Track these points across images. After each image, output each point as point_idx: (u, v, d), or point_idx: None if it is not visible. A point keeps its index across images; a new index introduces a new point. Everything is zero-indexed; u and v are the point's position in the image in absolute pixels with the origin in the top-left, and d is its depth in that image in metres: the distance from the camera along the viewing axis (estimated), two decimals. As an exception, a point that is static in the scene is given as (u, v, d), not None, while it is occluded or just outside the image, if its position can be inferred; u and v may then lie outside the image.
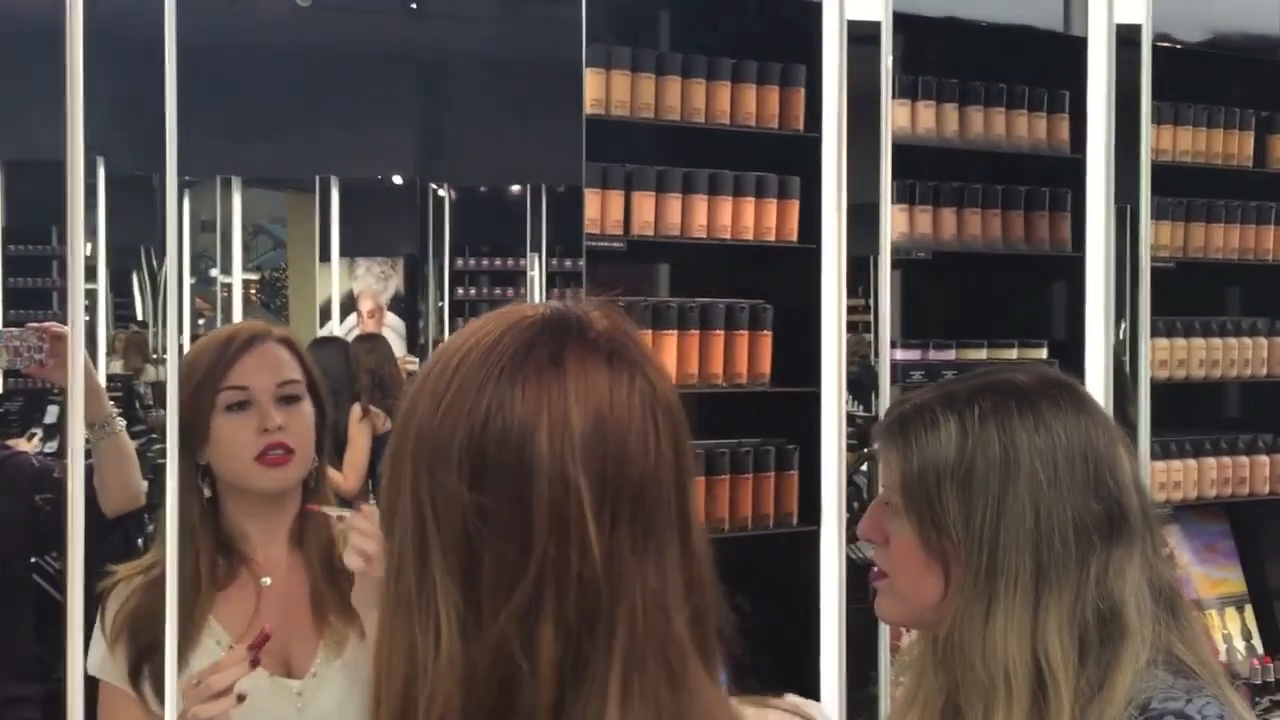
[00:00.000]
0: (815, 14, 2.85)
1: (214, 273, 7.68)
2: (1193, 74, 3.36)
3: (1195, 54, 3.50)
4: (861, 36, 2.81)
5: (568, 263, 7.85)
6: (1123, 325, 3.18)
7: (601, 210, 2.71)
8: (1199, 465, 3.27)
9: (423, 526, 0.85)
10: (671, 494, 0.86)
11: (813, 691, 2.80)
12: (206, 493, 1.77)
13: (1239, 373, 3.33)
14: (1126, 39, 3.05)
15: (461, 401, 0.85)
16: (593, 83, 2.69)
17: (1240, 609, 3.37)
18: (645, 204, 2.74)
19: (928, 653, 1.33)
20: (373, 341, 6.30)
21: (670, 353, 2.74)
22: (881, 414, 2.85)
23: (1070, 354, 3.11)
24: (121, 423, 2.66)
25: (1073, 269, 3.12)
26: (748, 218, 2.83)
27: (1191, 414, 3.38)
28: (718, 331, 2.79)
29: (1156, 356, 3.17)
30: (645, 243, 2.76)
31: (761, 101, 2.85)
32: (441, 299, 7.81)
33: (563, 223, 7.87)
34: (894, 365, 2.92)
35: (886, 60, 2.81)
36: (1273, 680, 3.26)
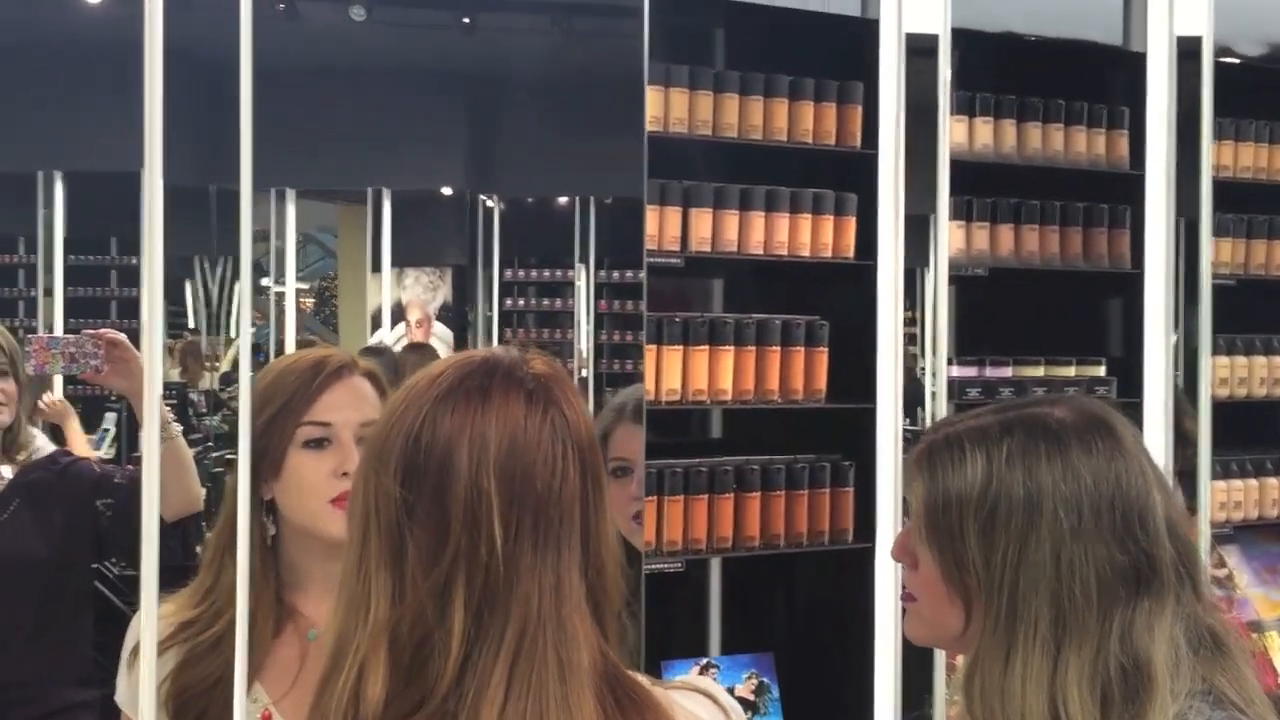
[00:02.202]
0: (873, 30, 2.85)
1: (266, 281, 7.78)
2: (1253, 89, 3.33)
3: (1255, 68, 3.46)
4: (919, 51, 2.80)
5: (615, 274, 7.90)
6: (1177, 339, 3.14)
7: (659, 227, 2.72)
8: (1260, 485, 3.23)
9: (367, 517, 1.08)
10: (576, 509, 1.07)
11: (867, 711, 2.80)
12: (270, 530, 1.61)
13: (1300, 391, 3.29)
14: (1187, 53, 3.02)
15: (403, 418, 1.08)
16: (652, 100, 2.70)
17: (1299, 631, 3.32)
18: (702, 220, 2.75)
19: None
20: (420, 352, 6.35)
21: (726, 369, 2.74)
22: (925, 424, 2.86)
23: (1129, 372, 3.08)
24: (178, 427, 2.70)
25: (1132, 286, 3.10)
26: (804, 234, 2.83)
27: (1253, 433, 3.34)
28: (774, 348, 2.80)
29: (1217, 375, 3.14)
30: (702, 259, 2.77)
31: (819, 118, 2.85)
32: (490, 309, 7.87)
33: (613, 235, 7.92)
34: (950, 382, 2.91)
35: (945, 75, 2.80)
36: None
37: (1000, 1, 3.17)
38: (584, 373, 7.59)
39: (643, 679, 1.13)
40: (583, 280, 7.82)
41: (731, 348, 2.75)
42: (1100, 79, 3.19)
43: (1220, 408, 3.09)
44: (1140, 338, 3.07)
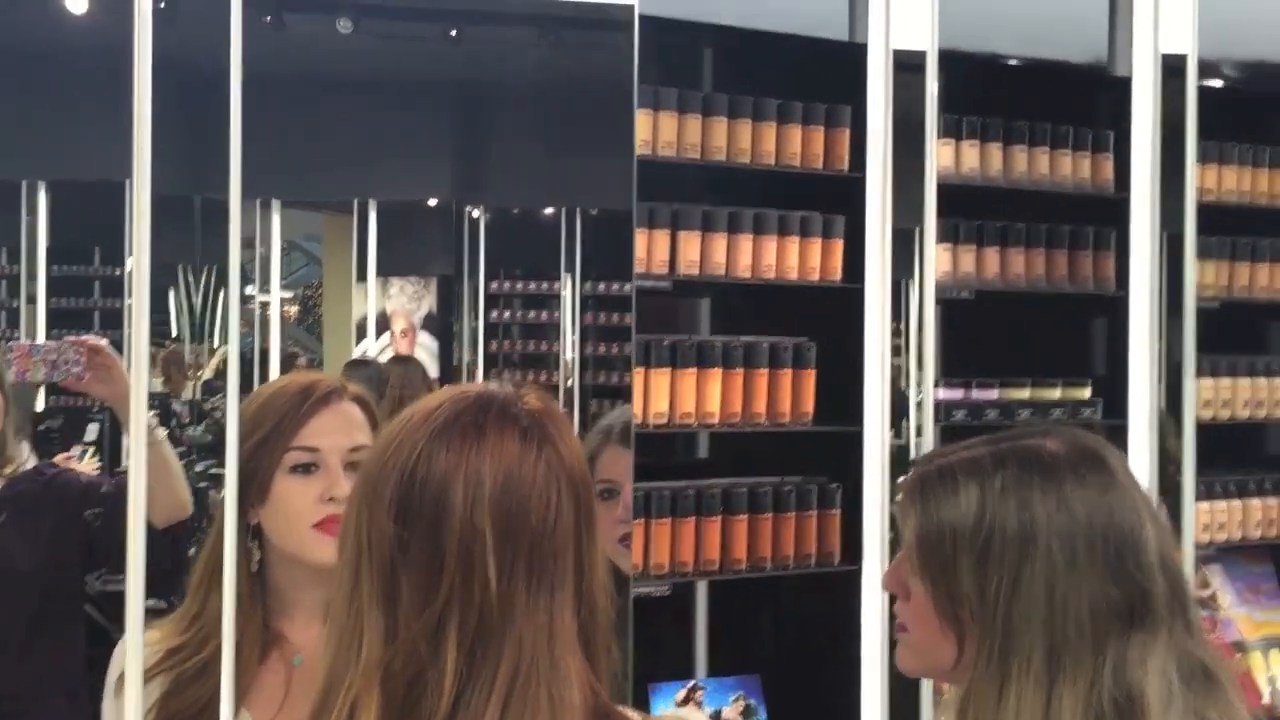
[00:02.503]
0: (860, 54, 2.86)
1: (250, 290, 7.75)
2: (1236, 112, 3.35)
3: (1238, 91, 3.49)
4: (906, 72, 2.81)
5: (601, 286, 7.89)
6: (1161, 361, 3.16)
7: (648, 249, 2.73)
8: (1244, 506, 3.25)
9: (359, 553, 1.07)
10: (569, 547, 1.07)
11: (854, 727, 2.81)
12: (255, 555, 1.59)
13: (1283, 412, 3.32)
14: (1171, 73, 3.04)
15: (398, 454, 1.07)
16: (641, 123, 2.71)
17: (1284, 652, 3.34)
18: (691, 243, 2.76)
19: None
20: (405, 364, 6.33)
21: (714, 391, 2.75)
22: (910, 445, 2.86)
23: (1114, 393, 3.10)
24: (163, 432, 2.68)
25: (1117, 308, 3.12)
26: (792, 257, 2.84)
27: (1236, 454, 3.36)
28: (761, 370, 2.80)
29: (1202, 396, 3.15)
30: (690, 282, 2.78)
31: (806, 141, 2.86)
32: (476, 320, 7.85)
33: (598, 247, 7.91)
34: (937, 404, 2.92)
35: (932, 99, 2.82)
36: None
37: (985, 24, 3.19)
38: (569, 383, 7.60)
39: (633, 714, 1.13)
40: (568, 292, 7.84)
41: (719, 370, 2.76)
42: (1085, 102, 3.22)
43: (1204, 429, 3.11)
44: (1125, 359, 3.09)
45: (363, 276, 7.53)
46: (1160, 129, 3.05)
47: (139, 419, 1.69)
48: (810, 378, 2.85)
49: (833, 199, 2.89)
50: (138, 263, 1.77)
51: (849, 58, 2.89)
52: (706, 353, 2.75)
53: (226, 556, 1.56)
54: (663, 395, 2.71)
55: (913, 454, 2.84)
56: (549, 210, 8.14)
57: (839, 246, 2.88)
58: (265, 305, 7.94)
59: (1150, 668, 1.20)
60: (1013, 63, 3.22)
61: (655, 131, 2.73)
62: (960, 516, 1.24)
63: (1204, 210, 3.11)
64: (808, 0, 3.06)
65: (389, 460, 1.08)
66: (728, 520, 2.75)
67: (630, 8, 2.45)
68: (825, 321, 2.90)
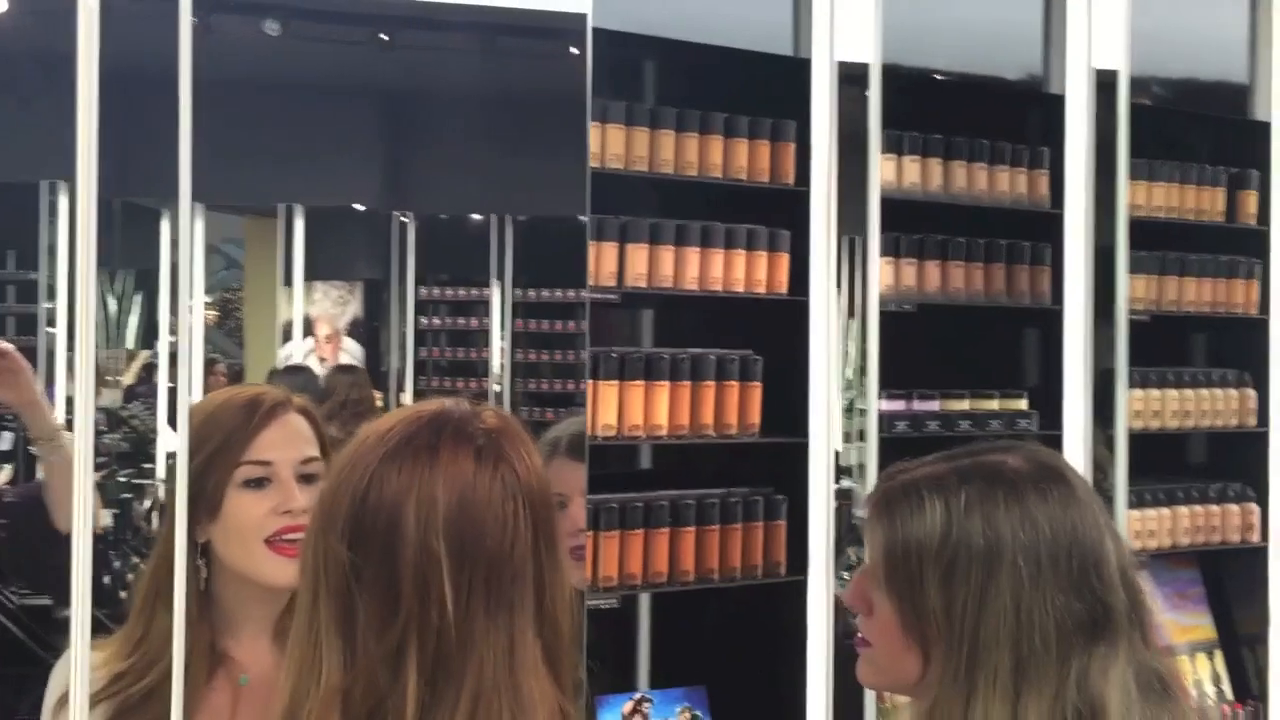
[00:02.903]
0: (804, 69, 2.89)
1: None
2: (1164, 130, 3.44)
3: (1167, 111, 3.58)
4: (849, 83, 2.84)
5: (531, 293, 7.87)
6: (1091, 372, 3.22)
7: (596, 262, 2.73)
8: (1173, 514, 3.33)
9: (316, 579, 1.05)
10: (528, 566, 1.04)
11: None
12: (203, 573, 1.56)
13: (1210, 423, 3.41)
14: (1102, 89, 3.11)
15: (349, 478, 1.05)
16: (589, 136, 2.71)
17: (1210, 655, 3.43)
18: (639, 256, 2.77)
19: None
20: (353, 373, 6.24)
21: (662, 404, 2.76)
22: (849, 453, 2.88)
23: (1049, 404, 3.16)
24: (69, 436, 2.60)
25: (1051, 321, 3.18)
26: (739, 270, 2.86)
27: (1165, 464, 3.45)
28: (709, 383, 2.82)
29: (1132, 407, 3.23)
30: (638, 294, 2.78)
31: (753, 155, 2.89)
32: (405, 326, 7.78)
33: (531, 254, 7.88)
34: (879, 416, 2.95)
35: (875, 112, 2.85)
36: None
37: (923, 41, 3.24)
38: (498, 389, 7.57)
39: None
40: (498, 298, 7.80)
41: (667, 383, 2.77)
42: (1021, 118, 3.28)
43: (1134, 439, 3.19)
44: (1060, 371, 3.16)
45: (288, 280, 7.43)
46: (1093, 146, 3.13)
47: (86, 428, 1.65)
48: (757, 390, 2.87)
49: (778, 212, 2.92)
50: (83, 272, 1.72)
51: (793, 72, 2.92)
52: (655, 365, 2.76)
53: (177, 577, 1.52)
54: (611, 407, 2.71)
55: (854, 464, 2.88)
56: (477, 216, 8.09)
57: (785, 260, 2.91)
58: (189, 308, 7.76)
59: (1111, 679, 1.23)
60: (951, 79, 3.27)
61: (603, 145, 2.73)
62: (926, 533, 1.25)
63: (1135, 225, 3.19)
64: (752, 15, 3.08)
65: (342, 484, 1.06)
66: (675, 532, 2.76)
67: (582, 17, 2.45)
68: (771, 334, 2.92)
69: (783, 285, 2.91)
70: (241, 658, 1.58)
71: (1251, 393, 3.46)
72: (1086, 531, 1.26)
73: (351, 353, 8.46)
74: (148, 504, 5.21)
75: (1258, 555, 3.42)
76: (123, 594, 4.38)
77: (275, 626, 1.59)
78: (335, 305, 8.46)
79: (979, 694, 1.22)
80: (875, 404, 2.89)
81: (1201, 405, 3.39)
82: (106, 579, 4.42)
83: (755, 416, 2.88)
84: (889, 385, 2.98)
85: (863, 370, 2.88)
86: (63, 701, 1.55)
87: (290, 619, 1.58)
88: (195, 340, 1.70)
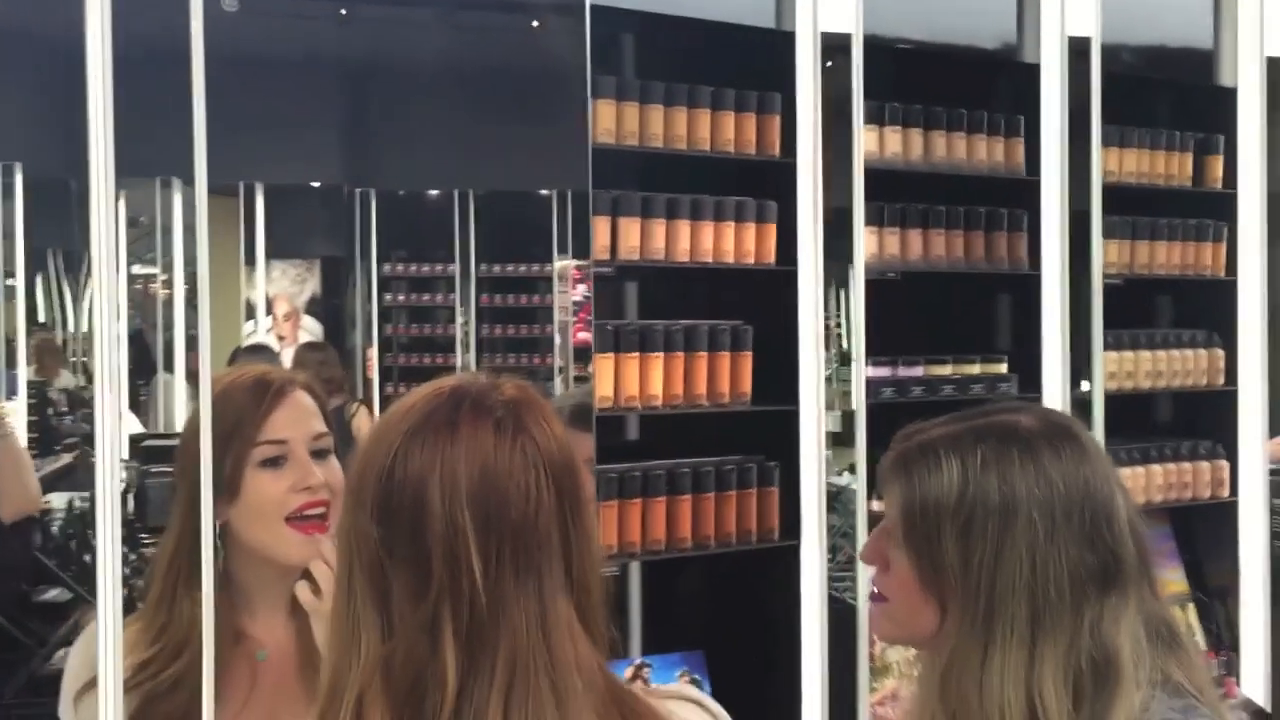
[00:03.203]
0: (788, 42, 2.92)
1: (136, 269, 7.54)
2: (1136, 97, 3.51)
3: (1138, 78, 3.66)
4: (831, 55, 2.88)
5: (496, 268, 7.87)
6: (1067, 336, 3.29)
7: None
8: (1146, 472, 3.43)
9: (349, 556, 1.09)
10: (553, 532, 1.08)
11: (795, 702, 2.89)
12: (220, 554, 1.57)
13: (1180, 383, 3.50)
14: (1076, 56, 3.16)
15: (374, 456, 1.09)
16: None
17: (1183, 607, 3.54)
18: (631, 229, 2.80)
19: (931, 678, 1.38)
20: (323, 350, 6.22)
21: (657, 375, 2.80)
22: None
23: (1028, 368, 3.24)
24: (12, 424, 2.58)
25: (1029, 286, 3.25)
26: (728, 241, 2.90)
27: (1139, 423, 3.54)
28: (701, 353, 2.86)
29: (1106, 368, 3.31)
30: (631, 267, 2.82)
31: (739, 128, 2.92)
32: (370, 303, 7.76)
33: (494, 230, 7.87)
34: (865, 382, 3.00)
35: (858, 84, 2.90)
36: (1216, 675, 3.44)
37: (900, 11, 3.28)
38: (471, 364, 7.57)
39: (636, 689, 1.16)
40: (458, 273, 7.79)
41: (661, 354, 2.81)
42: (996, 87, 3.34)
43: (1108, 399, 3.27)
44: (1038, 335, 3.23)
45: (250, 259, 7.37)
46: (1067, 113, 3.19)
47: (107, 414, 1.62)
48: (747, 359, 2.92)
49: (765, 184, 2.96)
50: (100, 252, 1.70)
51: (777, 45, 2.96)
52: (649, 337, 2.80)
53: (205, 562, 1.53)
54: (607, 379, 2.75)
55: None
56: (434, 192, 8.07)
57: (772, 231, 2.95)
58: (149, 285, 7.74)
59: (1122, 627, 1.29)
60: (928, 49, 3.32)
61: (595, 119, 2.75)
62: (944, 490, 1.31)
63: (1107, 191, 3.26)
64: (737, -10, 3.11)
65: (367, 463, 1.10)
66: (673, 500, 2.80)
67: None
68: (759, 304, 2.97)
69: (771, 256, 2.96)
70: (258, 634, 1.61)
71: (1220, 352, 3.56)
72: (1098, 486, 1.32)
73: (311, 330, 8.41)
74: (122, 486, 5.18)
75: (1227, 510, 3.52)
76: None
77: (290, 602, 1.59)
78: (294, 284, 8.38)
79: (996, 643, 1.28)
80: (863, 370, 2.95)
81: (1172, 366, 3.48)
82: (87, 557, 4.42)
83: (746, 385, 2.93)
84: (874, 352, 3.04)
85: (849, 339, 2.93)
86: (86, 689, 1.56)
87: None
88: (202, 324, 1.67)
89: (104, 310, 1.65)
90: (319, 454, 1.61)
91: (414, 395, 1.12)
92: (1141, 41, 3.60)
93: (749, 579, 2.97)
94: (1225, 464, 3.54)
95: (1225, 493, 3.54)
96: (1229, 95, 3.50)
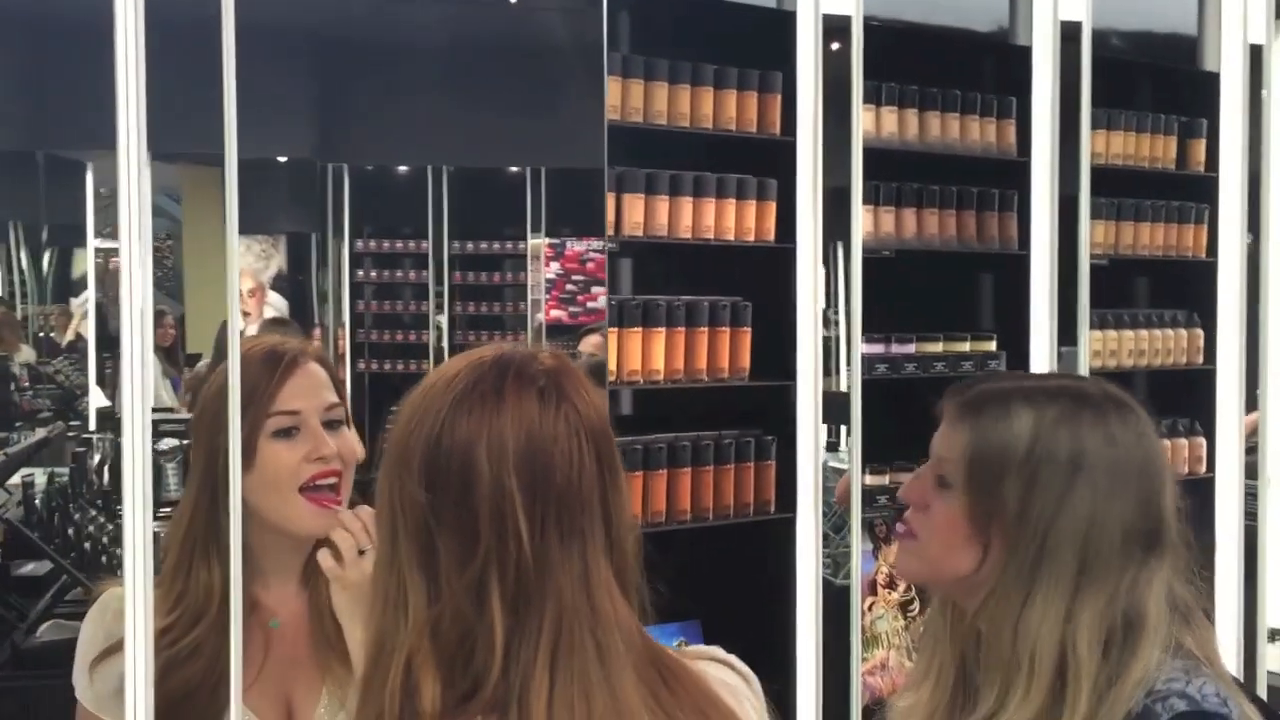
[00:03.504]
0: (788, 21, 2.95)
1: (102, 243, 7.45)
2: (1122, 81, 3.58)
3: (1125, 63, 3.72)
4: (831, 35, 2.92)
5: (469, 245, 7.84)
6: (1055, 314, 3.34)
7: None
8: (1128, 448, 3.50)
9: (394, 521, 1.11)
10: (595, 497, 1.11)
11: (790, 668, 2.95)
12: None
13: (1162, 361, 3.58)
14: (1066, 40, 3.21)
15: (422, 424, 1.11)
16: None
17: (1161, 580, 3.62)
18: (635, 205, 2.83)
19: (943, 624, 1.44)
20: (285, 326, 6.19)
21: (659, 349, 2.84)
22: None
23: (1017, 345, 3.30)
24: None
25: (1019, 266, 3.31)
26: (729, 219, 2.94)
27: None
28: (701, 329, 2.90)
29: (1091, 347, 3.38)
30: (634, 242, 2.85)
31: (741, 106, 2.95)
32: (340, 279, 7.72)
33: (469, 206, 7.85)
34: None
35: (857, 64, 2.93)
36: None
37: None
38: (443, 345, 7.56)
39: (673, 651, 1.19)
40: (430, 251, 7.77)
41: (663, 329, 2.85)
42: (989, 69, 3.39)
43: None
44: (1027, 313, 3.29)
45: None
46: (1058, 96, 3.24)
47: (136, 396, 1.61)
48: (746, 335, 2.97)
49: (765, 162, 2.99)
50: (130, 232, 1.69)
51: (778, 24, 2.99)
52: (651, 312, 2.83)
53: (232, 534, 1.50)
54: (610, 353, 2.78)
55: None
56: (403, 169, 8.02)
57: (772, 208, 2.99)
58: (111, 259, 7.65)
59: (1154, 590, 1.34)
60: (924, 31, 3.36)
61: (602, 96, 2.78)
62: (1014, 437, 1.35)
63: (1093, 173, 3.31)
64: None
65: (414, 430, 1.12)
66: (673, 473, 2.85)
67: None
68: (759, 280, 3.01)
69: (770, 233, 3.00)
70: (270, 603, 1.61)
71: (1200, 332, 3.64)
72: (1155, 460, 1.38)
73: (276, 306, 8.35)
74: (98, 458, 5.16)
75: (1205, 486, 3.61)
76: (86, 544, 4.36)
77: (302, 572, 1.62)
78: (259, 259, 8.32)
79: (1039, 589, 1.32)
80: (859, 347, 2.99)
81: (1155, 345, 3.56)
82: (70, 531, 4.40)
83: (745, 360, 2.97)
84: (868, 329, 3.09)
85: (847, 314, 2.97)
86: (103, 656, 1.56)
87: (316, 565, 1.59)
88: (123, 285, 1.63)
89: (132, 290, 1.63)
90: (331, 424, 1.61)
91: (454, 365, 1.15)
92: (1129, 27, 3.66)
93: (746, 550, 3.02)
94: (1203, 441, 3.62)
95: (1203, 469, 3.63)
96: (1212, 80, 3.57)
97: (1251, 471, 3.69)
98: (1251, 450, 3.71)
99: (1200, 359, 3.65)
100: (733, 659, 1.27)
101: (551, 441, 1.10)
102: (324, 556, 1.45)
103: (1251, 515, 3.69)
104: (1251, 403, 3.70)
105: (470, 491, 1.08)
